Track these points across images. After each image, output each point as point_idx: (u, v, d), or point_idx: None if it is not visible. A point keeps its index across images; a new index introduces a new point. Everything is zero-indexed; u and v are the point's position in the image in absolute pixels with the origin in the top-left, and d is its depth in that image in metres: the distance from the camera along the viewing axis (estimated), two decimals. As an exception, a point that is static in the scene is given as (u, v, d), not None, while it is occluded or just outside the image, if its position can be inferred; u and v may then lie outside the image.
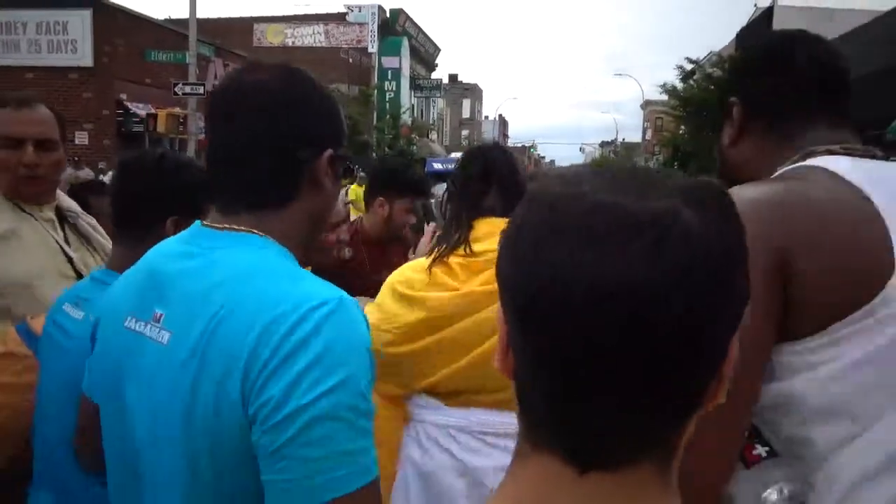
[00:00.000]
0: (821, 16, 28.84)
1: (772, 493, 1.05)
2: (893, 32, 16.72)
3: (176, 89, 12.69)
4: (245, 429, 0.83)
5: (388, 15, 33.07)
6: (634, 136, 69.47)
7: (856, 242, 1.01)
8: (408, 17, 35.90)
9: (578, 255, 0.48)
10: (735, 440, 1.03)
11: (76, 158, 11.45)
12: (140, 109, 14.13)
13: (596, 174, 0.54)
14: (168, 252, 1.01)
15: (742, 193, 1.04)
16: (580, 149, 70.09)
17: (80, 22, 13.07)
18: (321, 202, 1.06)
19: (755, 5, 33.39)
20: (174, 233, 1.31)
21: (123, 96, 13.79)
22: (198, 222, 1.02)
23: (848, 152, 1.16)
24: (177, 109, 13.48)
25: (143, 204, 1.44)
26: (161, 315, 0.93)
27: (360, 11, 29.58)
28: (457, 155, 35.80)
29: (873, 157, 1.19)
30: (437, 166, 27.04)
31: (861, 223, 1.02)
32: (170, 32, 15.26)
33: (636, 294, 0.47)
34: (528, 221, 0.53)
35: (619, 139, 69.82)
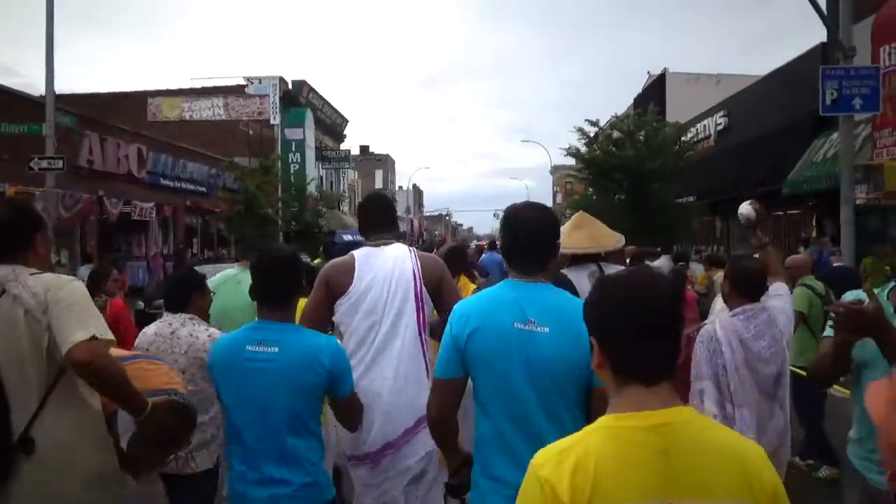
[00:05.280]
0: (708, 81, 30.25)
1: None
2: (775, 94, 17.37)
3: (31, 164, 11.29)
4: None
5: (290, 86, 32.46)
6: (546, 201, 70.76)
7: None
8: (311, 89, 35.43)
9: (636, 294, 1.32)
10: None
11: None
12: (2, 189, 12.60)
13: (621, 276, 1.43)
14: (518, 289, 2.14)
15: None
16: (494, 214, 70.60)
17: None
18: None
19: (648, 73, 35.04)
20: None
21: (-28, 174, 12.27)
22: (510, 281, 2.17)
23: None
24: (31, 188, 11.99)
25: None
26: (534, 320, 2.05)
27: (260, 83, 28.77)
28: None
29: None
30: (347, 238, 26.12)
31: None
32: (30, 103, 13.78)
33: (662, 305, 1.31)
34: (601, 295, 1.39)
35: (532, 204, 70.91)
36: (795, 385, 4.60)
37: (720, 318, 3.28)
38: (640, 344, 1.30)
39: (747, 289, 3.25)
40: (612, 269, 3.70)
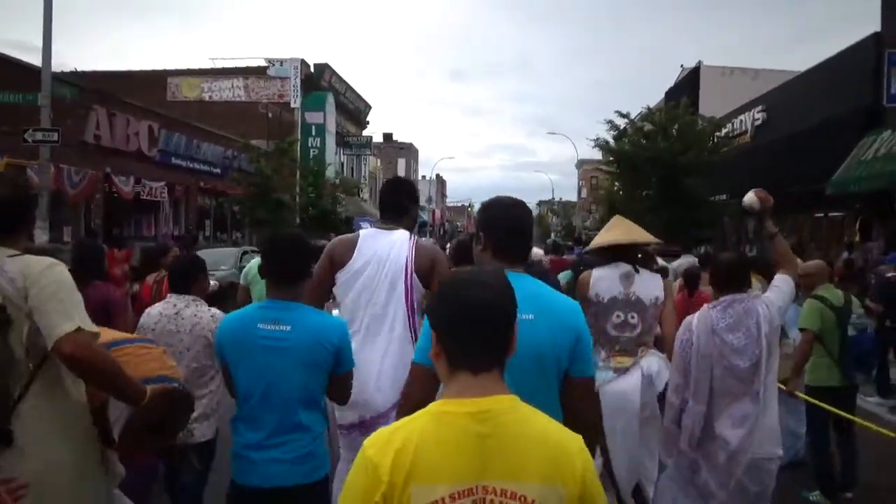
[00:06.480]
0: (743, 75, 29.02)
1: None
2: (818, 88, 16.32)
3: (26, 136, 10.71)
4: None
5: (312, 70, 31.82)
6: (570, 195, 69.91)
7: None
8: (333, 73, 34.77)
9: (464, 292, 1.43)
10: None
11: None
12: (-6, 161, 12.07)
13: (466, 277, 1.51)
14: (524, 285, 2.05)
15: None
16: (517, 208, 69.80)
17: None
18: None
19: (682, 66, 33.80)
20: None
21: (-32, 145, 11.72)
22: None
23: None
24: (29, 161, 11.39)
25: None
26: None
27: (281, 65, 28.16)
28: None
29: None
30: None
31: None
32: (36, 75, 13.10)
33: (488, 304, 1.41)
34: (439, 291, 1.49)
35: (556, 198, 70.06)
36: (809, 411, 4.92)
37: (700, 310, 3.42)
38: (466, 337, 1.40)
39: (721, 281, 3.41)
40: (646, 274, 3.83)
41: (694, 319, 3.36)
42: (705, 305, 3.43)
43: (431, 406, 1.39)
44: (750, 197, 3.58)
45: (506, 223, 2.23)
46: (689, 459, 3.32)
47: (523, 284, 2.08)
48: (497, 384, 1.40)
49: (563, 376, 2.08)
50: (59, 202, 14.16)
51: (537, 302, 2.09)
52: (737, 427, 3.16)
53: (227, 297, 12.44)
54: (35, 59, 11.59)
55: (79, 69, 29.49)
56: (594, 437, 2.14)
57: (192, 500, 3.62)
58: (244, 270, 5.51)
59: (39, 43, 11.00)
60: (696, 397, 3.25)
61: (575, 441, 1.39)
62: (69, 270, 2.50)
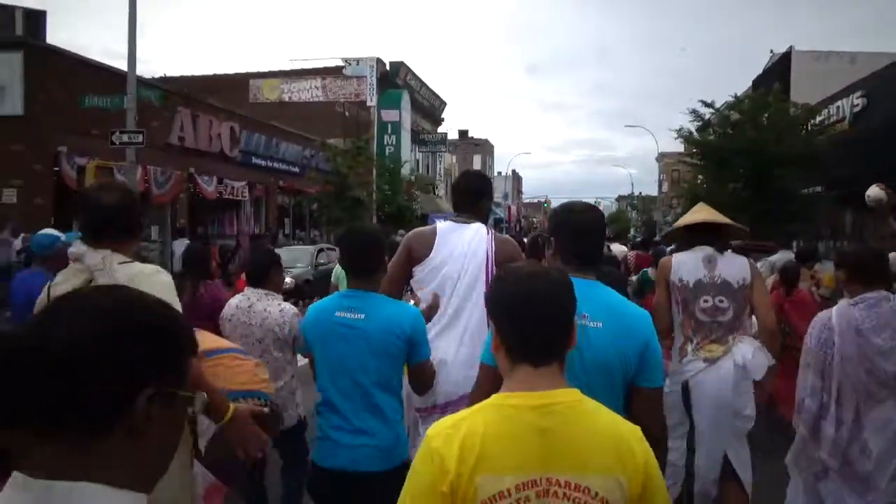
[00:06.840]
0: (839, 60, 27.20)
1: None
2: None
3: (113, 138, 11.11)
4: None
5: (387, 68, 32.03)
6: (650, 190, 67.92)
7: None
8: (409, 71, 34.90)
9: (525, 284, 1.46)
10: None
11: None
12: (85, 164, 12.61)
13: (524, 269, 1.56)
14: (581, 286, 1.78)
15: None
16: (595, 202, 68.25)
17: (8, 65, 11.63)
18: None
19: (771, 51, 32.06)
20: None
21: (63, 149, 12.26)
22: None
23: None
24: (119, 162, 11.84)
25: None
26: (587, 315, 1.97)
27: (357, 65, 28.48)
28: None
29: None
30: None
31: None
32: (123, 80, 13.62)
33: (548, 297, 1.44)
34: (499, 283, 1.53)
35: (636, 192, 68.20)
36: None
37: (838, 306, 3.17)
38: (525, 329, 1.43)
39: (866, 275, 3.13)
40: (729, 255, 3.70)
41: (832, 316, 3.13)
42: (844, 301, 3.18)
43: (494, 398, 1.41)
44: (875, 191, 3.44)
45: (575, 228, 2.22)
46: (817, 466, 3.07)
47: (592, 293, 2.08)
48: (557, 378, 1.42)
49: (630, 386, 2.06)
50: (145, 201, 14.72)
51: (606, 310, 2.07)
52: (879, 435, 2.99)
53: (302, 293, 12.62)
54: (126, 66, 12.04)
55: (167, 75, 30.83)
56: (658, 451, 2.00)
57: (291, 493, 3.78)
58: (335, 271, 5.86)
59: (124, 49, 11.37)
60: (840, 403, 3.06)
61: (634, 432, 1.42)
62: (180, 271, 2.48)
